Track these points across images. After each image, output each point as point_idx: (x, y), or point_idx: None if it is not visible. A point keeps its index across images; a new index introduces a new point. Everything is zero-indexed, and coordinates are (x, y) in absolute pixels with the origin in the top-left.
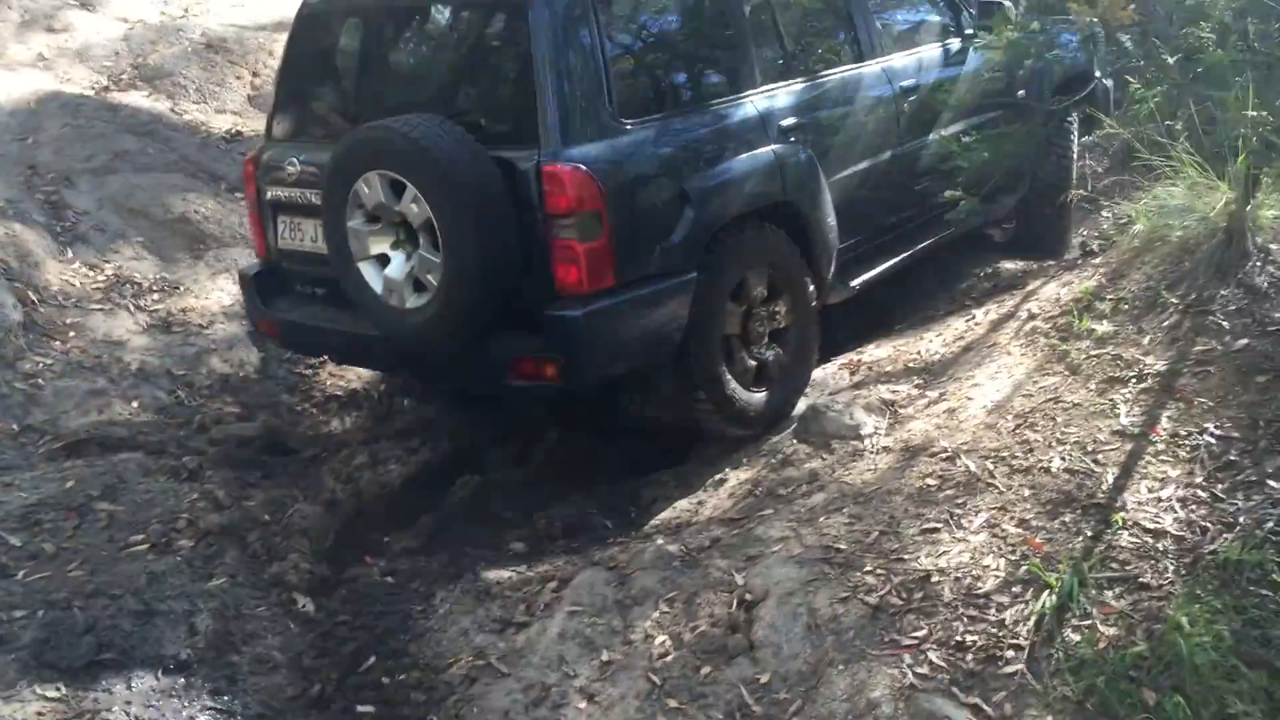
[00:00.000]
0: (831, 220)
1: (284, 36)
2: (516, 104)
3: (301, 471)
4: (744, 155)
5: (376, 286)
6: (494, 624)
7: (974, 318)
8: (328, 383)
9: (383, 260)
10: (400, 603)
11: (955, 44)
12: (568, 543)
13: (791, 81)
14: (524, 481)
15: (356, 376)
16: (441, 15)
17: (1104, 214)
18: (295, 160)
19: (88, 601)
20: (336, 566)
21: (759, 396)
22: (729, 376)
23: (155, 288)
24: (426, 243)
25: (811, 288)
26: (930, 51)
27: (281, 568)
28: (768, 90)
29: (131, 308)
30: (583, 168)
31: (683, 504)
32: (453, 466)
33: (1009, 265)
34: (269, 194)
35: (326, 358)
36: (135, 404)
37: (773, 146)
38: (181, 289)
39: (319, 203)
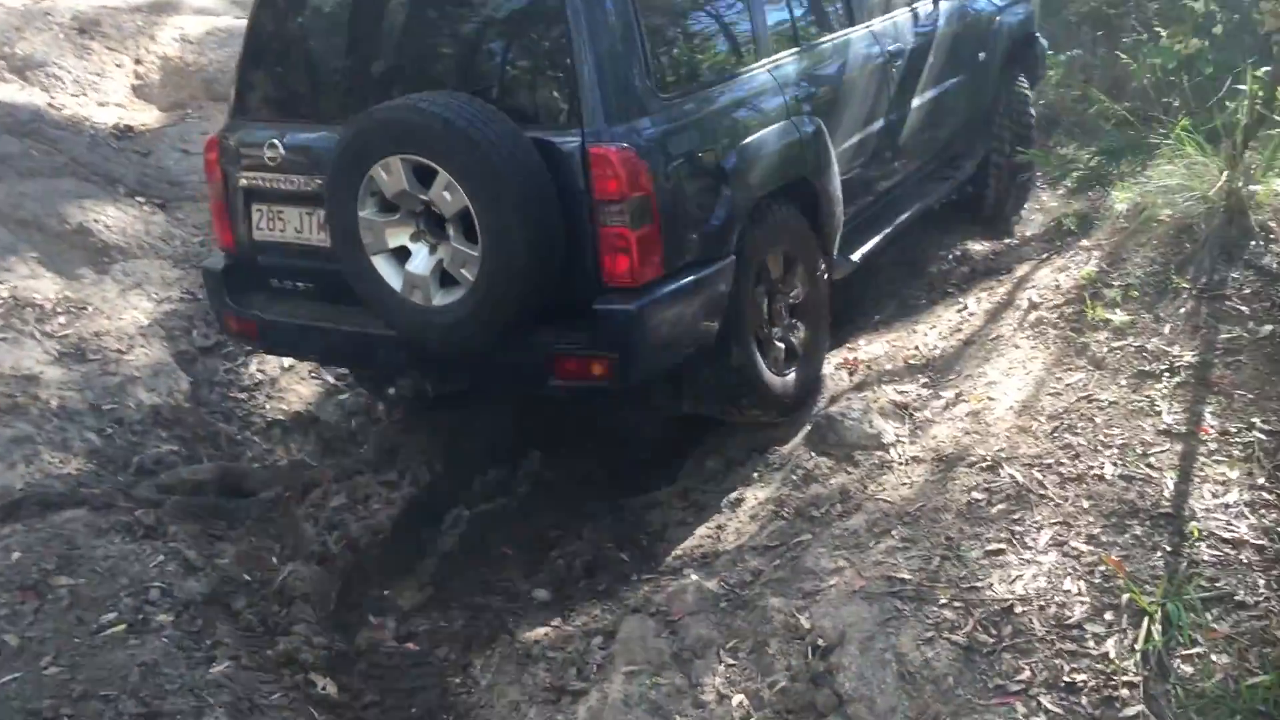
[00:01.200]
0: (839, 193)
1: (165, 19)
2: (551, 78)
3: (268, 516)
4: (772, 129)
5: (394, 283)
6: (546, 694)
7: (965, 307)
8: (266, 406)
9: (401, 254)
10: (431, 675)
11: (927, 5)
12: (591, 583)
13: (796, 49)
14: (518, 511)
15: (297, 397)
16: None
17: (1040, 186)
18: (277, 142)
19: (79, 708)
20: (345, 633)
21: (790, 377)
22: (763, 361)
23: (60, 309)
24: (458, 234)
25: (822, 263)
26: (905, 15)
27: (289, 643)
28: (779, 59)
29: (37, 335)
30: (631, 148)
31: (701, 530)
32: (438, 499)
33: (977, 246)
34: (240, 180)
35: (309, 359)
36: (65, 450)
37: (791, 119)
38: (90, 309)
39: (308, 189)
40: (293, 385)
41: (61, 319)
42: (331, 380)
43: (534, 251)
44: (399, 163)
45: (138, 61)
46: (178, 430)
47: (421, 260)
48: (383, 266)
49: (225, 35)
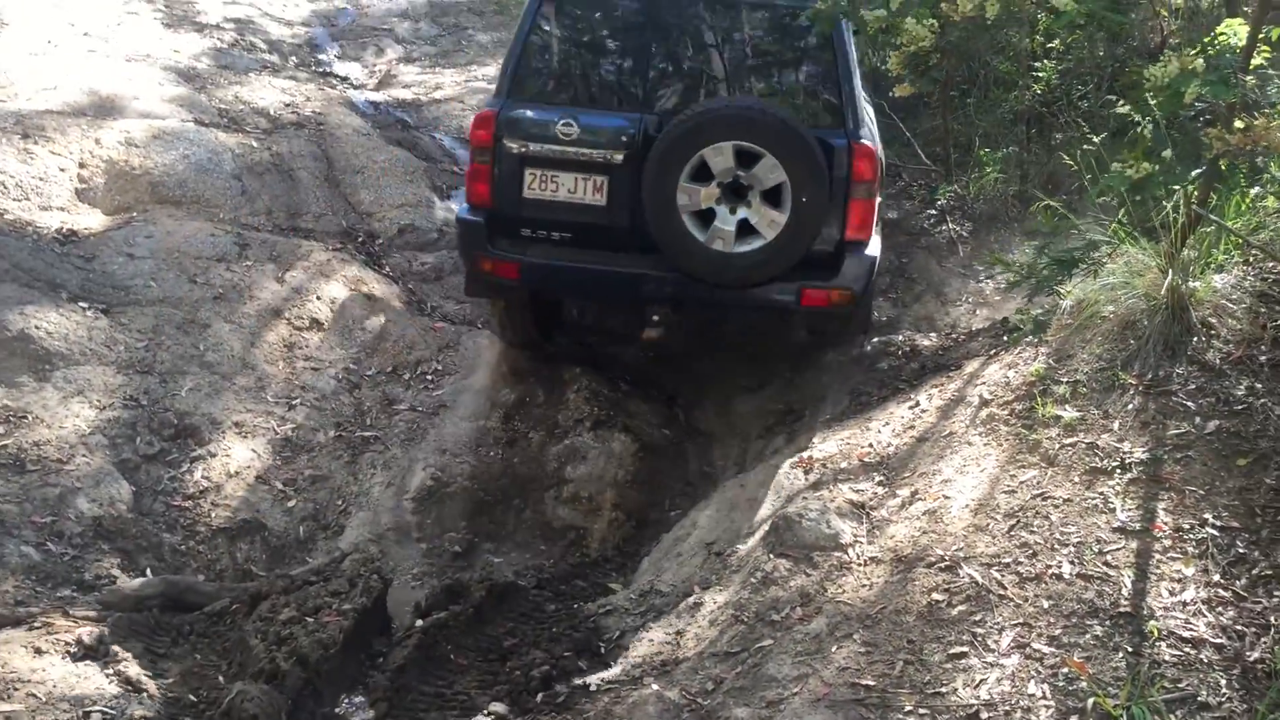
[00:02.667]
0: None
1: (109, 122)
2: (818, 93)
3: (214, 631)
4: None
5: (699, 235)
6: None
7: (918, 404)
8: (211, 514)
9: (705, 214)
10: None
11: None
12: (549, 695)
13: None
14: (472, 618)
15: (243, 503)
16: (740, 12)
17: (983, 281)
18: (574, 120)
19: None
20: None
21: None
22: None
23: (0, 419)
24: (762, 202)
25: None
26: None
27: None
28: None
29: None
30: (873, 146)
31: (658, 635)
32: (388, 608)
33: (925, 341)
34: (515, 147)
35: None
36: (2, 567)
37: None
38: (30, 418)
39: (595, 159)
40: (238, 491)
41: (0, 429)
42: (279, 485)
43: (818, 217)
44: (730, 146)
45: (82, 165)
46: (120, 542)
47: (725, 219)
48: (690, 223)
49: (171, 138)
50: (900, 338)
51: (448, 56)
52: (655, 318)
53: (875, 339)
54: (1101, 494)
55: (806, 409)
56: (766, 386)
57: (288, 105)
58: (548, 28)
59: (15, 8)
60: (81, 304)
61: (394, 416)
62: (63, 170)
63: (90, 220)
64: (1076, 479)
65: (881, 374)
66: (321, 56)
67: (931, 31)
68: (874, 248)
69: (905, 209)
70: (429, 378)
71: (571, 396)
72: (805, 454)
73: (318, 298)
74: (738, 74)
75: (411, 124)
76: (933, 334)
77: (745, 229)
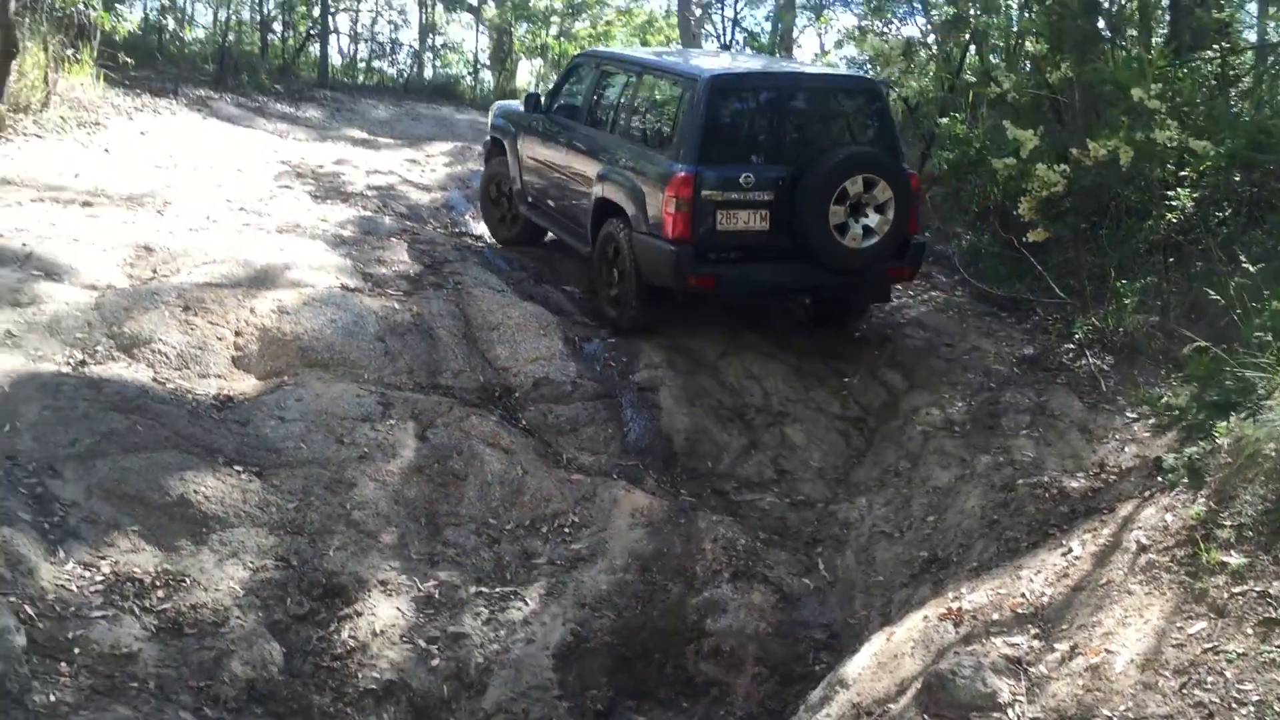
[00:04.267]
0: None
1: (263, 292)
2: (880, 142)
3: None
4: None
5: (839, 238)
6: None
7: (1070, 550)
8: (359, 674)
9: (843, 225)
10: None
11: None
12: None
13: None
14: None
15: (389, 663)
16: (822, 94)
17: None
18: (749, 176)
19: None
20: None
21: None
22: None
23: (159, 583)
24: (876, 211)
25: None
26: None
27: None
28: None
29: (136, 610)
30: (915, 174)
31: None
32: None
33: (1072, 483)
34: (706, 195)
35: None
36: None
37: None
38: (188, 581)
39: (761, 198)
40: (384, 650)
41: (160, 593)
42: (422, 644)
43: (903, 219)
44: (861, 178)
45: (237, 333)
46: (272, 705)
47: (855, 226)
48: (835, 231)
49: (320, 304)
50: (1046, 478)
51: None
52: (808, 301)
53: (1020, 480)
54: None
55: (951, 556)
56: (907, 532)
57: (427, 266)
58: (715, 113)
59: (181, 188)
60: (237, 467)
61: (533, 571)
62: (220, 339)
63: (244, 385)
64: (1250, 630)
65: (1029, 518)
66: (458, 218)
67: (1063, 176)
68: (919, 239)
69: (1042, 344)
70: (566, 530)
71: (709, 547)
72: (954, 604)
73: (457, 453)
74: (832, 133)
75: (545, 279)
76: (1079, 474)
77: (867, 231)
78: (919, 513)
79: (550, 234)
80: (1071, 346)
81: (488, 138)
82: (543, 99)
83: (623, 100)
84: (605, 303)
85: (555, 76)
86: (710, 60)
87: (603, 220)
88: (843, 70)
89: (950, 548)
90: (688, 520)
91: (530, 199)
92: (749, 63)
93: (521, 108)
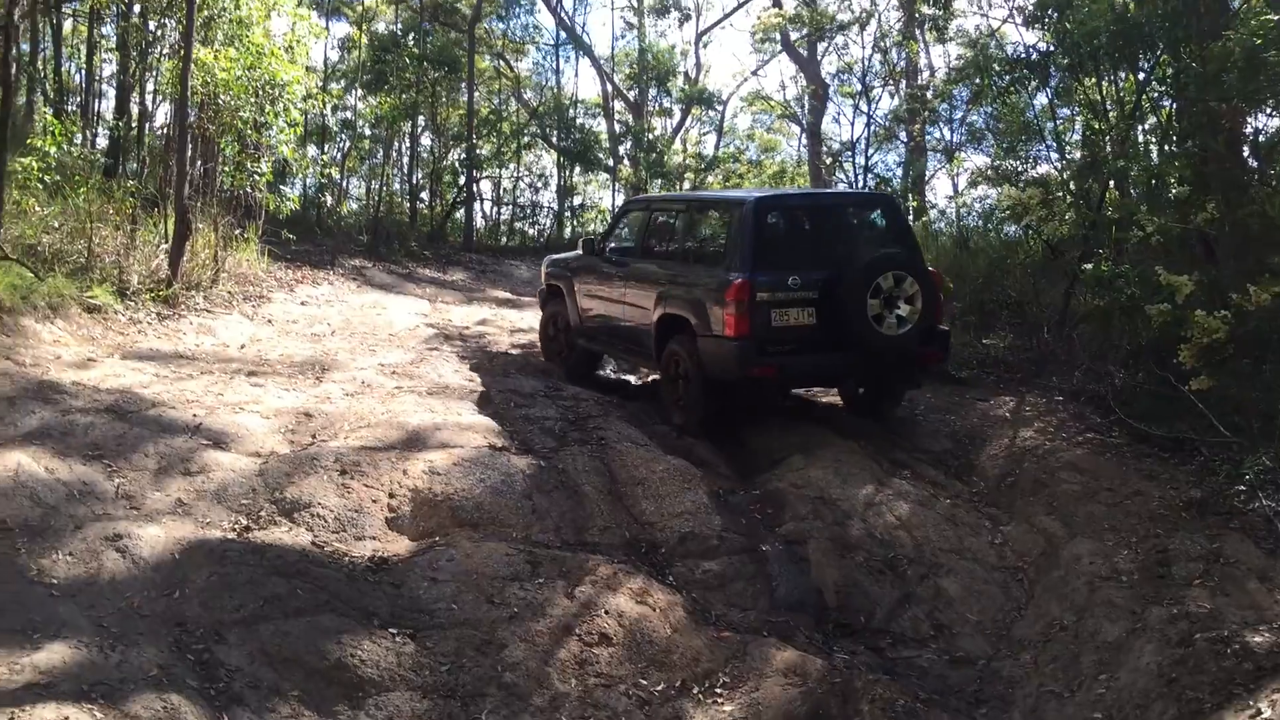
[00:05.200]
0: None
1: (416, 454)
2: (901, 245)
3: None
4: None
5: (878, 326)
6: None
7: (1260, 712)
8: None
9: (879, 316)
10: None
11: None
12: None
13: None
14: None
15: None
16: (849, 210)
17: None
18: (796, 279)
19: None
20: None
21: None
22: None
23: None
24: (906, 303)
25: None
26: None
27: None
28: None
29: None
30: (939, 272)
31: None
32: None
33: (1256, 637)
34: (761, 296)
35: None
36: None
37: None
38: None
39: (808, 297)
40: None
41: None
42: None
43: (930, 309)
44: (892, 275)
45: (391, 495)
46: None
47: (889, 316)
48: (873, 321)
49: (469, 465)
50: (1227, 632)
51: None
52: (860, 390)
53: (1198, 634)
54: None
55: (1128, 718)
56: (1078, 691)
57: (571, 422)
58: (761, 229)
59: (338, 354)
60: (391, 629)
61: None
62: (375, 501)
63: (398, 546)
64: None
65: (1211, 676)
66: (599, 372)
67: (1224, 323)
68: (944, 328)
69: (1210, 486)
70: (718, 691)
71: (866, 708)
72: None
73: (606, 612)
74: (861, 240)
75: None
76: (1262, 627)
77: (900, 319)
78: (1089, 670)
79: (605, 362)
80: (1243, 488)
81: (542, 286)
82: (595, 243)
83: (675, 231)
84: (672, 407)
85: None
86: (749, 190)
87: (667, 335)
88: (863, 190)
89: (1126, 709)
90: (843, 679)
91: (587, 330)
92: (786, 190)
93: (572, 254)
